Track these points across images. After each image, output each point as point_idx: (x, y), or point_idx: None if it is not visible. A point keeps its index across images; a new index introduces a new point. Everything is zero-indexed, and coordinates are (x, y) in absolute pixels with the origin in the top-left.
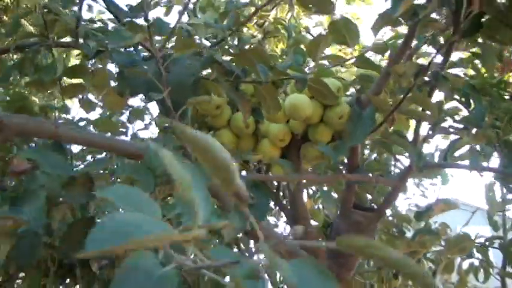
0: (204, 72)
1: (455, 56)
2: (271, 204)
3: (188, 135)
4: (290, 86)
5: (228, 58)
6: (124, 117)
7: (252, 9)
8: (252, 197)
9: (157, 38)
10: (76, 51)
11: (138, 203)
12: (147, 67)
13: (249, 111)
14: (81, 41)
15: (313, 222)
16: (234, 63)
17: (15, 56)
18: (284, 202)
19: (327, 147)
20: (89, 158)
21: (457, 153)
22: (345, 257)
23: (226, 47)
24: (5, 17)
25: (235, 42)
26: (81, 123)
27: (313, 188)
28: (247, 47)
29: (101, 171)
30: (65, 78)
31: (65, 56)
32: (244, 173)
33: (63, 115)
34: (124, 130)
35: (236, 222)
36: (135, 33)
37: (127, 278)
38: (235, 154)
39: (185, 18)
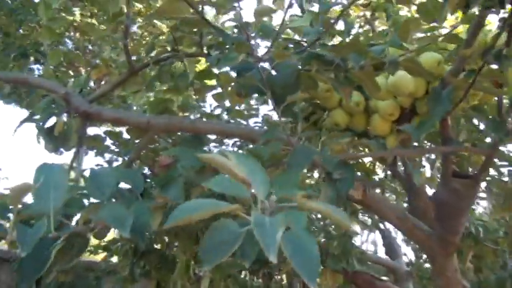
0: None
1: None
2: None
3: (206, 158)
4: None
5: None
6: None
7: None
8: (339, 173)
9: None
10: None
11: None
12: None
13: (349, 95)
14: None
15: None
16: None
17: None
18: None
19: (409, 126)
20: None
21: None
22: (450, 222)
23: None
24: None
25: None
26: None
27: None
28: (353, 30)
29: None
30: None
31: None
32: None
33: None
34: (254, 112)
35: (328, 192)
36: (240, 53)
37: (215, 234)
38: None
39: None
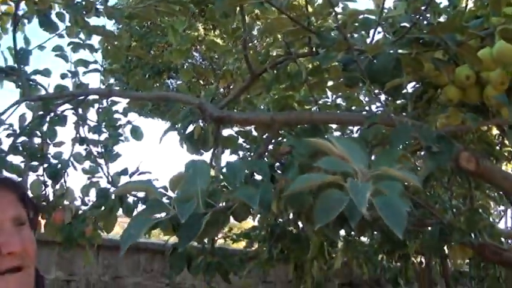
0: None
1: None
2: None
3: (314, 142)
4: (497, 33)
5: None
6: None
7: None
8: (437, 146)
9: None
10: None
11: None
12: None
13: (451, 72)
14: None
15: None
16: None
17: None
18: None
19: (503, 96)
20: None
21: None
22: None
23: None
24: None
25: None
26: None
27: None
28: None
29: None
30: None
31: None
32: None
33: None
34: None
35: (429, 164)
36: (339, 51)
37: (325, 201)
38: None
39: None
